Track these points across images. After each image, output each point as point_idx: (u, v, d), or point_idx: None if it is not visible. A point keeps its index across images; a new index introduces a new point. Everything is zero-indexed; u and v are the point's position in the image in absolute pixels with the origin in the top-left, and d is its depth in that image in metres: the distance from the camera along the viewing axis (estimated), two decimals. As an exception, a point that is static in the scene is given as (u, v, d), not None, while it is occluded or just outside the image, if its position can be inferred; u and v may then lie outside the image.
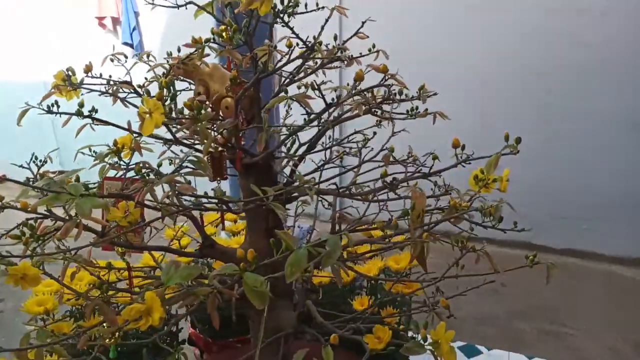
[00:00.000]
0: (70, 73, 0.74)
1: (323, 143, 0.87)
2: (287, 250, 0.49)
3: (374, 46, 0.75)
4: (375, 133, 0.89)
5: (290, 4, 0.58)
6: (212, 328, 1.44)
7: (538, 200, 3.03)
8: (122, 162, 0.67)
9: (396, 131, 0.88)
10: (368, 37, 0.70)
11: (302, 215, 1.14)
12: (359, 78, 0.62)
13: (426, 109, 0.67)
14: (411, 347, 0.57)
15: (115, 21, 3.93)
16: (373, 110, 0.72)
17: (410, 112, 0.66)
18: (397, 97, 0.71)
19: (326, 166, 0.92)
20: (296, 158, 0.83)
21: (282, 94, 0.78)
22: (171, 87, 0.58)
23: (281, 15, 0.59)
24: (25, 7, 4.31)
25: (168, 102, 0.58)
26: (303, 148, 0.83)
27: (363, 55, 0.75)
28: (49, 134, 4.37)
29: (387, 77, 0.65)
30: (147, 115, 0.56)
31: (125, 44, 3.82)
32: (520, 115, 3.01)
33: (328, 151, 0.88)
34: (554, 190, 3.04)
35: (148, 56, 0.84)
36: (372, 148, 0.88)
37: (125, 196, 0.64)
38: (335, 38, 0.70)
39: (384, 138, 0.86)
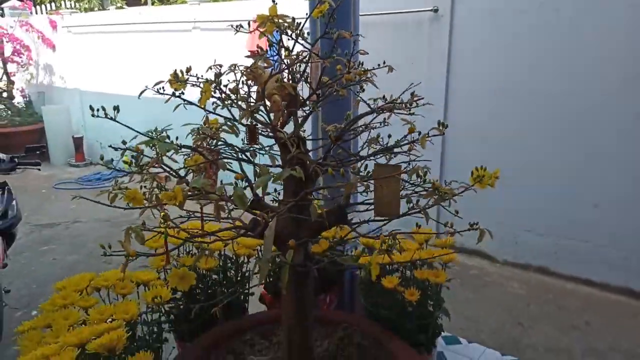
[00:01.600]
0: (179, 73, 1.10)
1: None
2: (263, 175, 0.76)
3: (384, 62, 1.00)
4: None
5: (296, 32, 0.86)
6: (277, 290, 1.74)
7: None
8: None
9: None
10: (367, 53, 0.95)
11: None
12: (347, 79, 0.88)
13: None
14: (348, 258, 0.79)
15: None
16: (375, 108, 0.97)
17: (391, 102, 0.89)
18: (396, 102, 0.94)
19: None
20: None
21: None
22: (219, 80, 0.90)
23: (290, 35, 0.87)
24: (204, 42, 5.23)
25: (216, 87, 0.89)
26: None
27: (375, 69, 1.00)
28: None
29: (364, 78, 0.89)
30: (204, 93, 0.88)
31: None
32: (619, 154, 2.85)
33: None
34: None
35: (235, 67, 1.18)
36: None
37: (193, 149, 0.97)
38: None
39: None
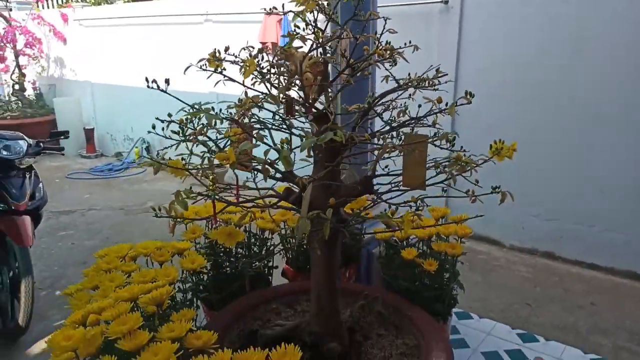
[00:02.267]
0: (217, 53, 1.18)
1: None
2: (307, 139, 0.83)
3: (408, 42, 1.07)
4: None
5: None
6: (299, 265, 1.83)
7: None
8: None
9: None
10: (397, 32, 1.02)
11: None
12: (379, 54, 0.95)
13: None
14: (382, 216, 0.87)
15: (275, 46, 4.67)
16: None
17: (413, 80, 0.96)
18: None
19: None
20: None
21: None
22: (258, 57, 0.97)
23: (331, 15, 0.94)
24: (207, 33, 5.29)
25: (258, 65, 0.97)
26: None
27: (402, 48, 1.07)
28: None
29: (394, 54, 0.96)
30: (247, 67, 0.96)
31: (280, 64, 4.54)
32: (622, 141, 2.90)
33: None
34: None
35: (266, 47, 1.25)
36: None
37: (233, 120, 1.04)
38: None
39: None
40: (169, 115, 1.09)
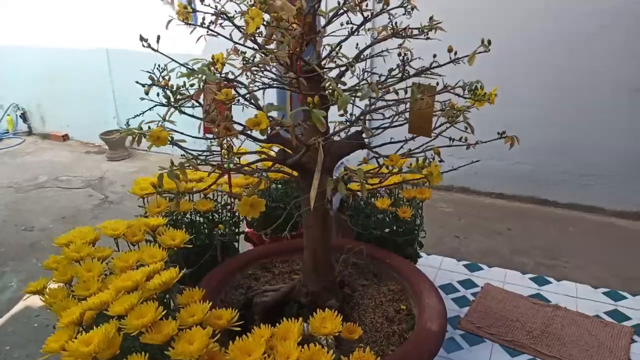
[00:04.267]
0: (187, 4, 1.04)
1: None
2: (338, 97, 0.78)
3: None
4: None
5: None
6: (265, 226, 1.78)
7: (545, 158, 3.23)
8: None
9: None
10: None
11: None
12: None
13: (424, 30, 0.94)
14: (412, 170, 0.86)
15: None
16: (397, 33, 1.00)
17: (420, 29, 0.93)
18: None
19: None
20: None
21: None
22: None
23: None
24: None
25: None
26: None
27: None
28: (108, 96, 4.73)
29: (405, 2, 0.92)
30: (251, 20, 0.85)
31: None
32: (531, 77, 3.17)
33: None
34: (559, 148, 3.21)
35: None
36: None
37: (228, 79, 0.94)
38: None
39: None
40: (151, 78, 0.96)
